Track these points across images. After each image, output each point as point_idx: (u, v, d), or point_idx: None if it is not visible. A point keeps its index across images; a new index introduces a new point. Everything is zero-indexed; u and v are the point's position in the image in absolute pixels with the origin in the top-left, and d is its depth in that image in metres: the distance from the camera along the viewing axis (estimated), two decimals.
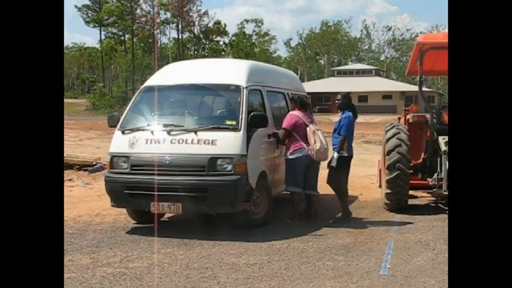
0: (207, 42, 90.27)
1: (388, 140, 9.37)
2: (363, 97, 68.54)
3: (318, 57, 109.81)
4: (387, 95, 68.40)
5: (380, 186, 10.89)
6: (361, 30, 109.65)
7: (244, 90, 8.14)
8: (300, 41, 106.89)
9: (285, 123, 8.51)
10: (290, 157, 8.47)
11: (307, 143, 8.39)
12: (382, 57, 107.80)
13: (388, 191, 9.27)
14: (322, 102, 64.74)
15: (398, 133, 9.33)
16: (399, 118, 11.52)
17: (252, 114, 7.92)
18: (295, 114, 8.60)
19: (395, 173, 9.05)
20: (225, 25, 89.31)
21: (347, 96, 9.33)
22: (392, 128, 9.61)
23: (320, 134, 8.43)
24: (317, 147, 8.30)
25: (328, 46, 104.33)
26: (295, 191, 8.56)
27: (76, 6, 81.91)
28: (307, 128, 8.43)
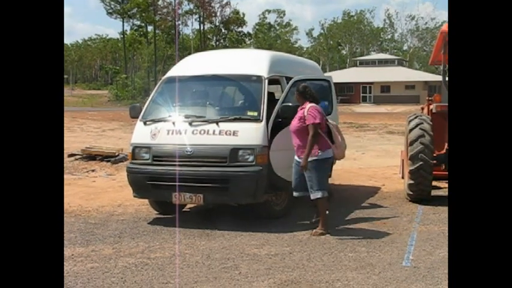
0: (227, 32, 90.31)
1: (411, 130, 9.28)
2: (386, 87, 68.11)
3: (340, 47, 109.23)
4: (410, 85, 67.79)
5: (403, 177, 10.80)
6: (384, 20, 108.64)
7: (266, 80, 8.10)
8: (322, 31, 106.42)
9: (316, 118, 7.30)
10: (322, 157, 7.35)
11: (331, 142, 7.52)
12: (405, 47, 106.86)
13: (411, 181, 9.19)
14: (344, 93, 64.43)
15: (422, 123, 9.22)
16: (422, 108, 11.41)
17: (283, 105, 7.83)
18: (318, 107, 7.47)
19: (418, 164, 8.96)
20: (244, 15, 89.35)
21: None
22: (415, 118, 9.51)
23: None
24: (344, 144, 7.72)
25: (350, 36, 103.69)
26: (327, 195, 7.43)
27: None
28: (330, 125, 7.59)
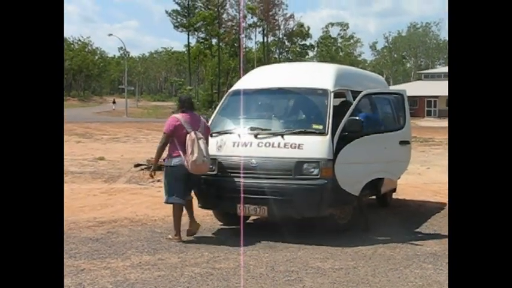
0: (290, 45, 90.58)
1: None
2: None
3: (404, 60, 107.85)
4: None
5: None
6: None
7: (331, 94, 8.09)
8: (386, 44, 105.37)
9: (165, 127, 7.73)
10: (169, 164, 7.66)
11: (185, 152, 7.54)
12: None
13: None
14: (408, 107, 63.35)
15: None
16: None
17: (350, 118, 7.79)
18: (176, 118, 7.73)
19: None
20: (308, 28, 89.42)
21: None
22: None
23: (202, 143, 7.48)
24: (193, 158, 7.39)
25: (415, 49, 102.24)
26: (176, 201, 7.68)
27: (166, 11, 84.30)
28: (188, 136, 7.52)
